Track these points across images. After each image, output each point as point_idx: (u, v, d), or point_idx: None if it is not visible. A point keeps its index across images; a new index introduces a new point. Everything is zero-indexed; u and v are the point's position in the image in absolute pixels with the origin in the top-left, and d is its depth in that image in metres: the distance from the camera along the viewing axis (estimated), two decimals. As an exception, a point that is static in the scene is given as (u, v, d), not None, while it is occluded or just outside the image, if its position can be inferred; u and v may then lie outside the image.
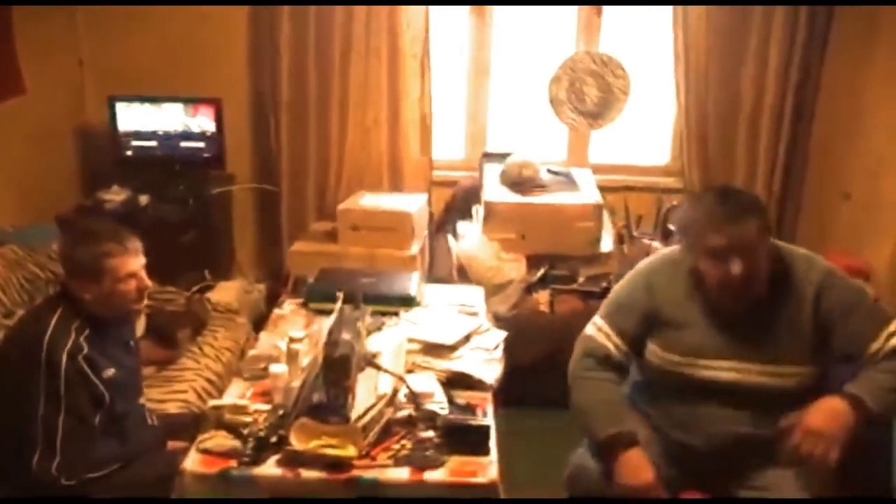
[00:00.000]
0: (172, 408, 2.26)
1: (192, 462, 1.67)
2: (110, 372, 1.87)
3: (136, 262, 1.90)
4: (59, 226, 2.92)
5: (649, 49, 3.57)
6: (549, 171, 3.36)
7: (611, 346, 1.87)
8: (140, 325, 2.40)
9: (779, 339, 1.74)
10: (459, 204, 3.53)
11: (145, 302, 1.98)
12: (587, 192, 3.25)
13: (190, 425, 1.93)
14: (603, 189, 3.31)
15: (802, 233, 3.50)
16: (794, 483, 1.73)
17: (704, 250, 1.72)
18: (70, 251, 1.89)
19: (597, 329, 1.91)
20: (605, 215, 3.25)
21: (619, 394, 1.87)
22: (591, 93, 3.48)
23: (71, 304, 1.87)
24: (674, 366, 1.80)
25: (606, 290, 3.06)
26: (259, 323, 2.89)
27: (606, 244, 3.22)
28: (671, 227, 3.27)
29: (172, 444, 1.95)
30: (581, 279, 3.13)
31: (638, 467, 1.72)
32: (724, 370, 1.76)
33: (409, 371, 1.98)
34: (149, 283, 1.95)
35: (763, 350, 1.75)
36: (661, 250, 2.03)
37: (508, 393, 2.09)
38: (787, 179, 3.51)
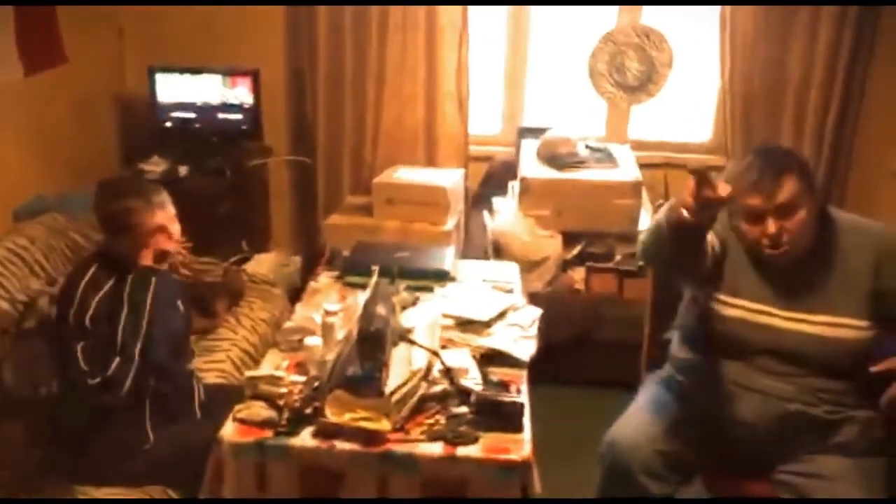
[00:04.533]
0: (211, 377, 2.29)
1: (229, 431, 1.69)
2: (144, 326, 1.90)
3: (162, 215, 1.96)
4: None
5: (694, 21, 3.46)
6: (587, 146, 3.31)
7: None
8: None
9: (833, 293, 1.74)
10: (495, 179, 3.50)
11: (182, 255, 2.05)
12: (626, 169, 3.19)
13: (235, 395, 1.95)
14: (642, 166, 3.24)
15: (849, 212, 3.40)
16: (842, 470, 1.70)
17: (742, 211, 1.73)
18: (99, 208, 1.96)
19: None
20: (644, 193, 3.19)
21: None
22: (632, 66, 3.40)
23: (107, 262, 1.93)
24: (731, 310, 1.79)
25: (643, 269, 3.04)
26: (294, 295, 2.91)
27: (645, 222, 3.16)
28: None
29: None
30: (618, 257, 3.09)
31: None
32: (781, 319, 1.76)
33: (444, 347, 1.97)
34: (178, 234, 2.00)
35: (818, 303, 1.74)
36: None
37: (542, 371, 2.07)
38: (834, 158, 3.40)
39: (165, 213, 1.98)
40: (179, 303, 2.12)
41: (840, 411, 1.75)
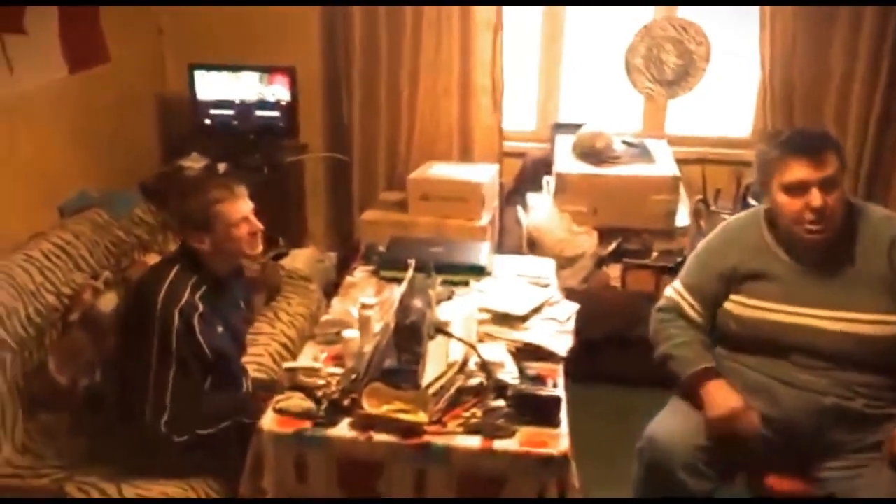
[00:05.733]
0: (250, 370, 2.31)
1: (269, 421, 1.71)
2: (220, 330, 1.93)
3: (244, 205, 1.95)
4: (144, 192, 3.03)
5: (732, 14, 3.41)
6: (623, 142, 3.28)
7: (687, 308, 1.93)
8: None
9: (861, 288, 1.73)
10: (529, 175, 3.49)
11: (260, 249, 2.01)
12: (663, 164, 3.15)
13: (272, 389, 1.98)
14: (679, 161, 3.20)
15: (893, 208, 3.32)
16: (883, 469, 1.67)
17: (784, 184, 1.73)
18: (180, 205, 1.94)
19: (675, 291, 1.98)
20: (682, 188, 3.15)
21: (697, 337, 1.90)
22: (669, 60, 3.35)
23: (189, 261, 1.93)
24: (758, 312, 1.80)
25: (681, 266, 3.00)
26: (329, 291, 2.93)
27: (682, 218, 3.13)
28: (751, 201, 3.15)
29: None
30: (655, 254, 3.06)
31: (723, 396, 1.76)
32: (808, 318, 1.75)
33: (480, 341, 1.97)
34: (260, 225, 1.98)
35: (846, 299, 1.73)
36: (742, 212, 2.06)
37: (578, 368, 2.06)
38: (878, 154, 3.31)
39: (247, 203, 1.96)
40: (242, 303, 2.16)
41: (879, 406, 1.72)
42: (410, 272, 2.06)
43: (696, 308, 1.92)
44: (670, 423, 1.83)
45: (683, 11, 3.38)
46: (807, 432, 1.73)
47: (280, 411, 1.73)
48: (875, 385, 1.72)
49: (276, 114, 3.41)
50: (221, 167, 3.30)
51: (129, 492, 1.83)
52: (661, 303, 2.02)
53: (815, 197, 1.69)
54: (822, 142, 1.75)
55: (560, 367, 1.93)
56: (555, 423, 1.70)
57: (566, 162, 3.17)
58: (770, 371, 1.78)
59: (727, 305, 1.86)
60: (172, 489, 1.84)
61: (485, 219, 3.13)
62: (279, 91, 3.38)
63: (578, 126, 3.30)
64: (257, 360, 2.41)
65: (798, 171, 1.71)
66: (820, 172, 1.70)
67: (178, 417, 1.80)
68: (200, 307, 1.86)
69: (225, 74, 3.39)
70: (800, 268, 1.79)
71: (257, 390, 2.07)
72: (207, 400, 1.89)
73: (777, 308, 1.78)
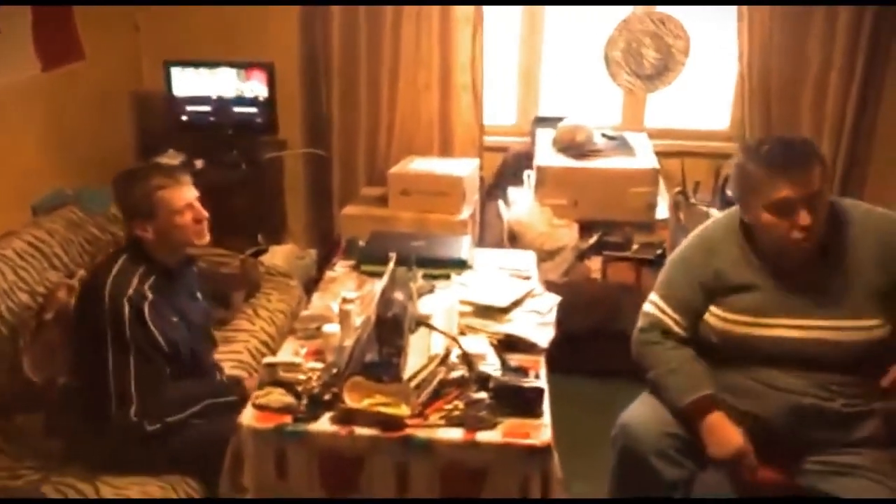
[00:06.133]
0: (227, 368, 2.29)
1: (249, 417, 1.69)
2: (174, 319, 1.92)
3: (188, 192, 1.95)
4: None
5: (710, 8, 3.43)
6: (603, 135, 3.28)
7: (671, 323, 1.85)
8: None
9: (842, 294, 1.70)
10: (510, 169, 3.49)
11: (207, 239, 2.00)
12: (643, 157, 3.16)
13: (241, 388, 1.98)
14: (659, 154, 3.21)
15: (869, 200, 3.35)
16: (871, 463, 1.68)
17: (769, 204, 1.66)
18: (125, 194, 1.93)
19: (654, 306, 1.89)
20: (661, 181, 3.17)
21: (687, 358, 1.83)
22: (648, 54, 3.36)
23: (136, 252, 1.92)
24: (738, 326, 1.76)
25: (661, 258, 3.01)
26: (310, 287, 2.91)
27: (662, 211, 3.14)
28: (730, 193, 3.17)
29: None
30: (635, 246, 3.07)
31: (724, 435, 1.72)
32: (788, 328, 1.72)
33: (462, 333, 1.97)
34: (205, 213, 1.98)
35: (827, 306, 1.70)
36: (714, 216, 1.98)
37: (559, 360, 2.06)
38: (855, 145, 3.34)
39: (192, 191, 1.96)
40: (199, 293, 2.13)
41: (858, 405, 1.72)
42: (391, 265, 2.05)
43: (680, 322, 1.84)
44: (643, 411, 1.83)
45: (662, 8, 3.39)
46: (787, 431, 1.73)
47: (260, 407, 1.71)
48: (853, 384, 1.72)
49: (254, 110, 3.38)
50: (199, 164, 3.27)
51: (107, 491, 1.80)
52: (642, 322, 1.91)
53: (803, 216, 1.63)
54: (805, 155, 1.66)
55: (542, 359, 1.93)
56: (537, 413, 1.70)
57: (546, 155, 3.17)
58: (750, 375, 1.77)
59: (708, 318, 1.81)
60: (150, 487, 1.82)
61: (465, 213, 3.13)
62: (257, 87, 3.35)
63: (558, 120, 3.30)
64: (236, 357, 2.38)
65: (784, 190, 1.63)
66: (806, 189, 1.63)
67: (147, 406, 1.79)
68: (150, 296, 1.86)
69: (202, 71, 3.35)
70: (779, 278, 1.75)
71: (232, 385, 2.05)
72: (173, 386, 1.88)
73: (757, 322, 1.74)
